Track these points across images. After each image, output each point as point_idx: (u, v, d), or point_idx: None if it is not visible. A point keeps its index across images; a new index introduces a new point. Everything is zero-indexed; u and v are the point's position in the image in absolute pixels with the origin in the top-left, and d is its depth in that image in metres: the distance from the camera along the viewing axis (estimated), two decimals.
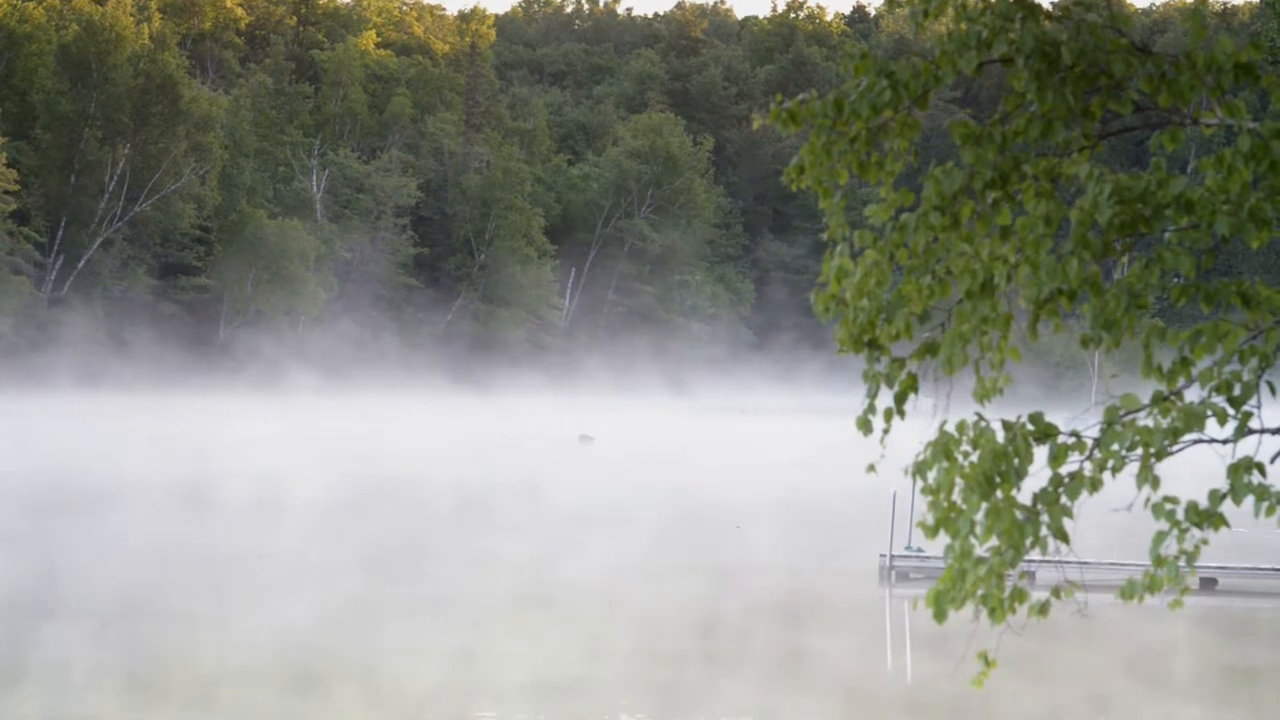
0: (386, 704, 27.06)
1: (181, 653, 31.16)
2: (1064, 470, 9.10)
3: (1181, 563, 8.93)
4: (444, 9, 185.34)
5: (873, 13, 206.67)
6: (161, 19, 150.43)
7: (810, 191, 9.59)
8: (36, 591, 37.75)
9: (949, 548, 9.28)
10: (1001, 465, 9.09)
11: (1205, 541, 8.96)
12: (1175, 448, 8.98)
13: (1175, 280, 9.26)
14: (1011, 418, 9.23)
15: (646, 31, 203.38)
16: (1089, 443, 9.07)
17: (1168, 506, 8.93)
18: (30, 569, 41.15)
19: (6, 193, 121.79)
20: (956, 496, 9.19)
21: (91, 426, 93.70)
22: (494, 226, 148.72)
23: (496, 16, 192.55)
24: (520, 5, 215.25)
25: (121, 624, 33.76)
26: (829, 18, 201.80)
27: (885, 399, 9.49)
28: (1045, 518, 9.11)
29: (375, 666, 29.86)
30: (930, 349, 9.37)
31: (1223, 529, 8.92)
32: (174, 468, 69.19)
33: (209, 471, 67.50)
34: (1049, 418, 9.22)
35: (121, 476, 65.28)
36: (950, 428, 9.20)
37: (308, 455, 77.76)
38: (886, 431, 9.46)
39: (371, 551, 45.87)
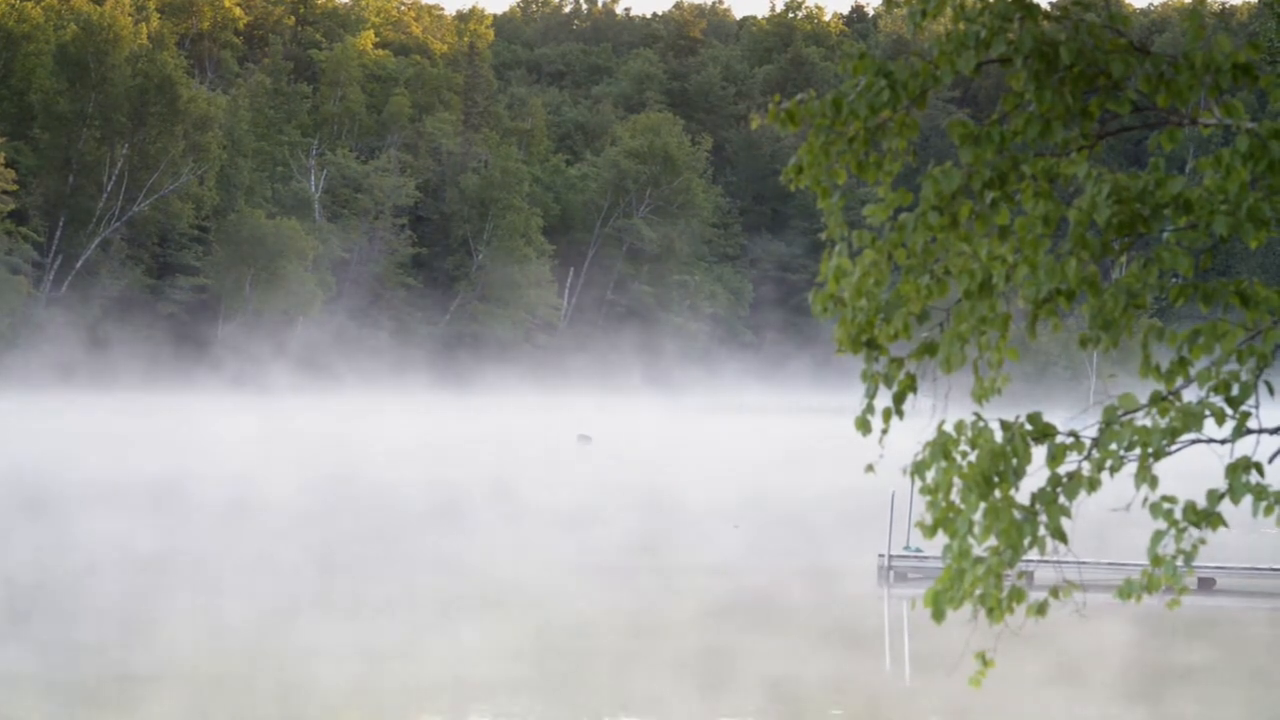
0: (306, 704, 27.07)
1: (112, 653, 30.92)
2: (1062, 470, 9.10)
3: (1179, 562, 8.93)
4: (442, 9, 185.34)
5: (871, 13, 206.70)
6: (160, 19, 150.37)
7: (809, 191, 9.59)
8: None
9: (947, 548, 9.28)
10: (1000, 465, 9.09)
11: (1203, 541, 8.96)
12: (1173, 447, 8.98)
13: (1173, 280, 9.25)
14: (1010, 418, 9.23)
15: (645, 31, 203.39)
16: (1087, 443, 9.07)
17: (1166, 506, 8.93)
18: None
19: (5, 192, 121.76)
20: (955, 496, 9.19)
21: (82, 426, 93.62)
22: (492, 226, 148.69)
23: (495, 16, 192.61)
24: (518, 5, 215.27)
25: (63, 624, 33.60)
26: (827, 18, 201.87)
27: (884, 399, 9.49)
28: (1043, 517, 9.11)
29: (301, 667, 29.81)
30: (929, 349, 9.37)
31: (1221, 529, 8.92)
32: (153, 467, 68.85)
33: (189, 471, 67.11)
34: (1047, 418, 9.22)
35: (100, 476, 65.03)
36: (949, 428, 9.19)
37: (295, 456, 77.59)
38: (885, 431, 9.45)
39: (329, 553, 45.58)
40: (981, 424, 9.13)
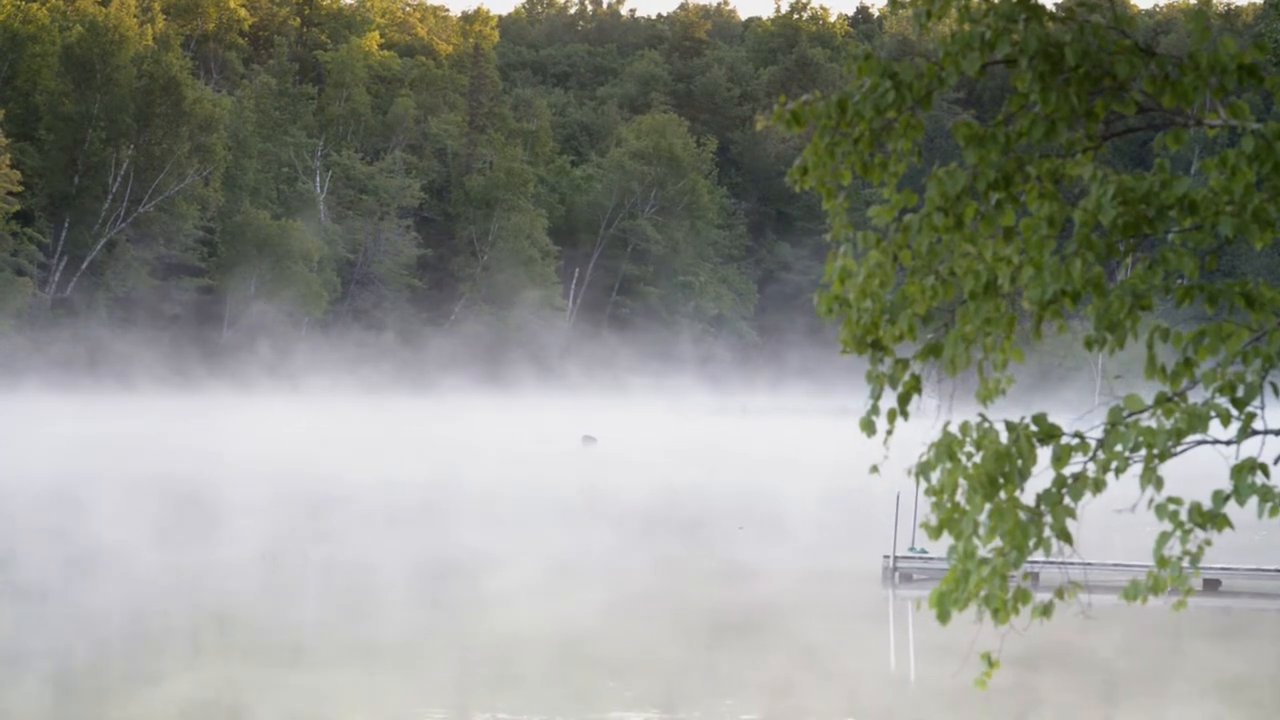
0: None
1: None
2: (1067, 471, 9.10)
3: (1185, 564, 8.93)
4: (447, 10, 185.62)
5: (876, 14, 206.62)
6: (165, 20, 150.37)
7: (814, 192, 9.59)
8: None
9: (952, 549, 9.28)
10: (1005, 466, 9.08)
11: (1209, 542, 8.96)
12: (1179, 449, 8.98)
13: (1179, 281, 9.25)
14: (1015, 419, 9.22)
15: (650, 32, 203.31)
16: (1092, 444, 9.06)
17: (1171, 507, 8.92)
18: None
19: (10, 194, 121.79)
20: (960, 497, 9.19)
21: (84, 428, 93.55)
22: (497, 227, 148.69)
23: (500, 18, 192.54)
24: (523, 6, 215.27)
25: None
26: (832, 19, 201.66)
27: (888, 400, 9.49)
28: (1048, 519, 9.11)
29: None
30: (934, 350, 9.37)
31: (1226, 530, 8.92)
32: (100, 470, 68.02)
33: (130, 474, 66.26)
34: (1052, 419, 9.22)
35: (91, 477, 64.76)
36: (953, 429, 9.19)
37: (272, 458, 77.18)
38: (890, 432, 9.45)
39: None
40: (986, 425, 9.13)
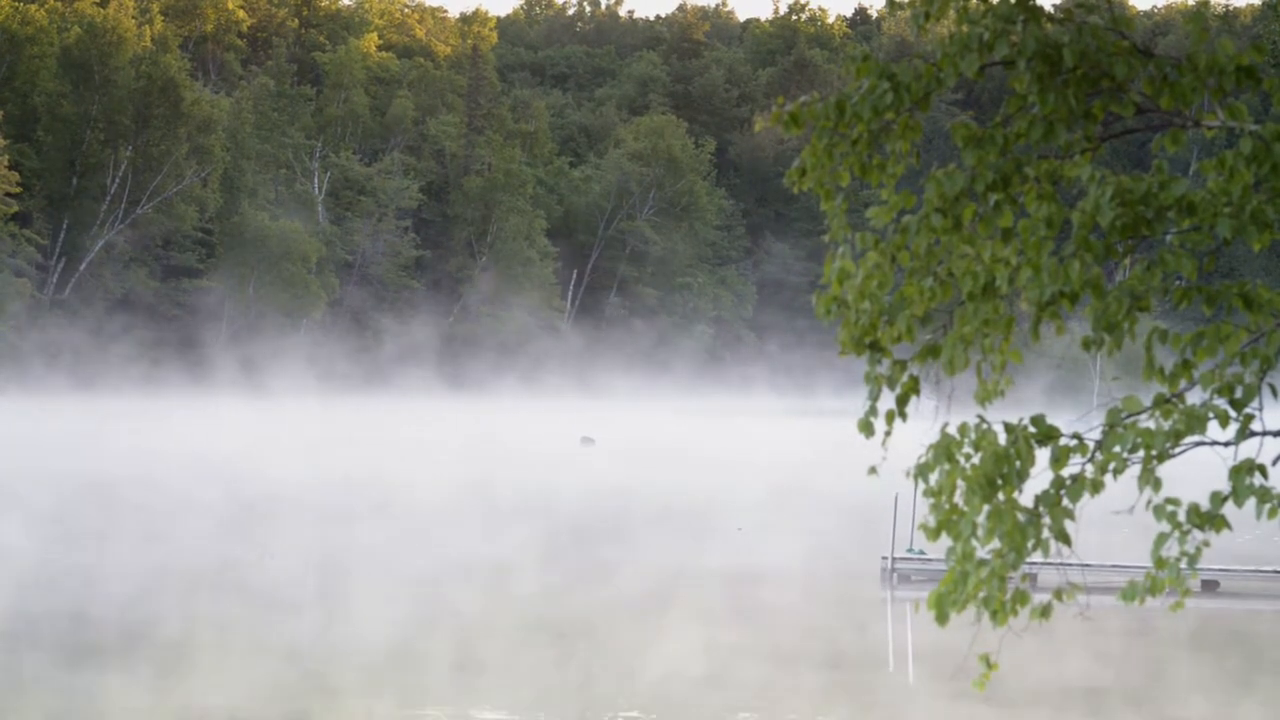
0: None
1: None
2: (1066, 472, 9.10)
3: (1183, 565, 8.93)
4: (446, 11, 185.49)
5: (874, 15, 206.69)
6: (163, 21, 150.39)
7: (812, 194, 9.60)
8: None
9: (950, 550, 9.29)
10: (1003, 467, 9.09)
11: (1207, 544, 8.96)
12: (1177, 450, 8.98)
13: (1177, 283, 9.26)
14: (1013, 420, 9.22)
15: (648, 34, 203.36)
16: (1091, 445, 9.06)
17: (1169, 509, 8.92)
18: None
19: (8, 195, 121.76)
20: (958, 499, 9.19)
21: (82, 428, 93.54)
22: (495, 228, 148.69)
23: (498, 19, 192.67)
24: (522, 7, 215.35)
25: None
26: (830, 20, 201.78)
27: (887, 401, 9.49)
28: (1047, 520, 9.11)
29: None
30: (932, 351, 9.37)
31: (1224, 531, 8.92)
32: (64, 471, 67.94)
33: (96, 475, 66.16)
34: (1050, 420, 9.22)
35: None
36: (952, 430, 9.19)
37: (239, 460, 76.91)
38: (888, 434, 9.45)
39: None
40: (985, 426, 9.13)
